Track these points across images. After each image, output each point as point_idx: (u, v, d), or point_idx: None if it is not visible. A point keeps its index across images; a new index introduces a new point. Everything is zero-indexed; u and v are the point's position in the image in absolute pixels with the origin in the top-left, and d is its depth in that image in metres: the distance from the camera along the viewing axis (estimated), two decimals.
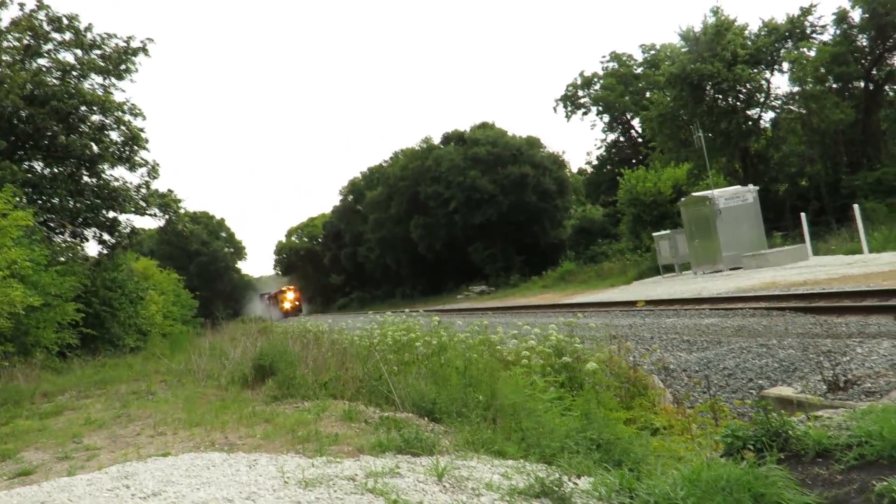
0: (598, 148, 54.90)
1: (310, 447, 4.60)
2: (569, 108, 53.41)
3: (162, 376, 12.52)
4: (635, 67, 52.84)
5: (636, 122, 51.22)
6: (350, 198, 72.43)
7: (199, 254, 68.97)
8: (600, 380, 7.20)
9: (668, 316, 13.12)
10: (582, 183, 58.47)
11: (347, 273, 74.87)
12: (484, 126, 56.68)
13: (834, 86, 31.47)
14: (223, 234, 78.57)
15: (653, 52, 50.09)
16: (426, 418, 5.71)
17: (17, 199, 18.15)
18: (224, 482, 3.60)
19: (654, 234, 27.31)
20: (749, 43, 32.39)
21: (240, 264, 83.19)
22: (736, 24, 32.51)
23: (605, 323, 12.90)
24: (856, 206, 20.00)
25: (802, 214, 21.69)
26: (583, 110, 53.30)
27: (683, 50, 34.23)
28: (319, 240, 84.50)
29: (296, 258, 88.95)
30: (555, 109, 58.81)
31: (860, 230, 19.39)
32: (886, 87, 31.91)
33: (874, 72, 30.95)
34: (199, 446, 5.08)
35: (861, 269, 15.05)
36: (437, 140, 58.52)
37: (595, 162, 55.85)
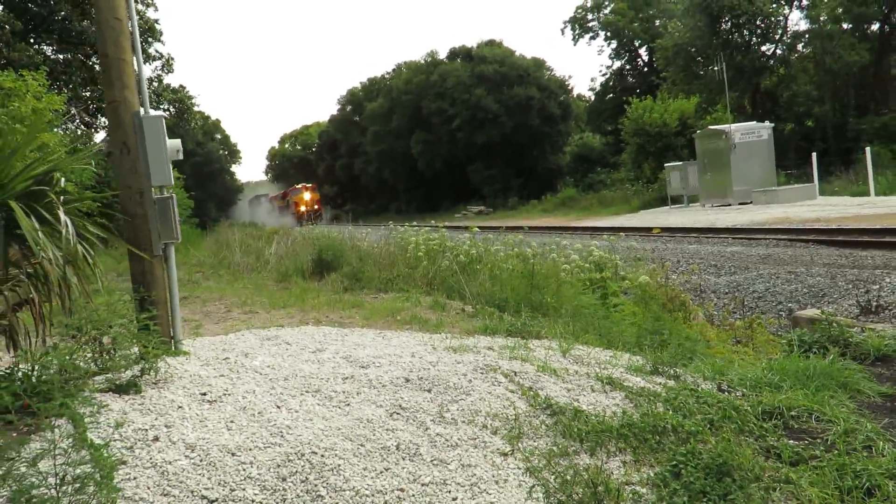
0: (603, 75, 54.26)
1: (420, 327, 5.03)
2: (577, 32, 52.46)
3: (194, 267, 12.89)
4: None
5: (643, 51, 50.60)
6: (348, 108, 71.41)
7: (193, 154, 67.82)
8: (650, 292, 7.68)
9: (690, 243, 13.59)
10: (584, 109, 58.08)
11: (341, 184, 74.51)
12: (491, 44, 55.66)
13: (847, 26, 31.20)
14: (218, 136, 77.38)
15: None
16: (503, 313, 6.17)
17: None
18: (374, 346, 4.01)
19: (666, 164, 27.59)
20: None
21: (233, 168, 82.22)
22: None
23: (627, 246, 13.36)
24: (867, 149, 20.36)
25: (813, 154, 22.04)
26: (591, 34, 52.38)
27: None
28: (314, 149, 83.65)
29: (289, 165, 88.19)
30: (562, 32, 57.90)
31: (869, 172, 19.81)
32: None
33: (892, 15, 30.71)
34: (305, 322, 5.43)
35: (871, 210, 15.53)
36: (442, 55, 57.58)
37: (598, 89, 55.33)
